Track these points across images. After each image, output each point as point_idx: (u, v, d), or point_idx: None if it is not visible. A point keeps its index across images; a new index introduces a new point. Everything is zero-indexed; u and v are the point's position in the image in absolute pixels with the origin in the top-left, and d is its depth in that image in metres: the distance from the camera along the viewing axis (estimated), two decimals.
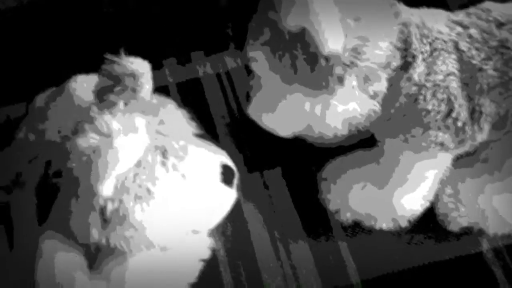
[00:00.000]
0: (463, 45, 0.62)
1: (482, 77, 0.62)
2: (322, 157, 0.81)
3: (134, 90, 0.59)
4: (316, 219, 0.79)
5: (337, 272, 0.75)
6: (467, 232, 0.76)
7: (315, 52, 0.58)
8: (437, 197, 0.75)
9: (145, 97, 0.60)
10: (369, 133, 0.70)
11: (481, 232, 0.75)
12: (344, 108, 0.62)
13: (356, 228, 0.77)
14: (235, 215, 0.80)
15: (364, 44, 0.58)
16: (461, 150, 0.66)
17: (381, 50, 0.60)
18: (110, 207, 0.57)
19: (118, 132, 0.56)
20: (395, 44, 0.61)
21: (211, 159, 0.65)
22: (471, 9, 0.65)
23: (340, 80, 0.59)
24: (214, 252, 0.77)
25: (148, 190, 0.58)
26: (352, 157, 0.77)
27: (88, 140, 0.57)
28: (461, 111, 0.62)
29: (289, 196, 0.81)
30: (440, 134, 0.63)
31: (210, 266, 0.75)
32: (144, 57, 0.73)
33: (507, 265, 0.75)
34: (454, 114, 0.62)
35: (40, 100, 0.82)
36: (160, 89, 0.67)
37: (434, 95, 0.62)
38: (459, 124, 0.63)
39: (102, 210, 0.58)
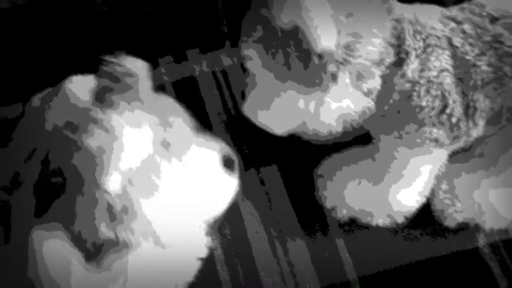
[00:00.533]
0: (457, 41, 0.62)
1: (476, 73, 0.61)
2: (319, 154, 0.81)
3: (133, 89, 0.60)
4: (313, 216, 0.79)
5: (334, 268, 0.76)
6: (463, 227, 0.76)
7: (308, 49, 0.58)
8: (433, 193, 0.75)
9: (145, 95, 0.61)
10: (364, 130, 0.70)
11: (477, 228, 0.75)
12: (338, 105, 0.62)
13: (353, 225, 0.77)
14: (232, 213, 0.80)
15: (357, 40, 0.58)
16: (456, 146, 0.66)
17: (374, 46, 0.59)
18: (117, 201, 0.58)
19: (123, 128, 0.57)
20: (388, 41, 0.60)
21: (212, 149, 0.65)
22: (465, 4, 0.65)
23: (334, 77, 0.59)
24: (211, 250, 0.77)
25: (153, 183, 0.59)
26: (347, 154, 0.77)
27: (96, 138, 0.57)
28: (455, 107, 0.62)
29: (286, 193, 0.81)
30: (435, 130, 0.63)
31: (208, 264, 0.75)
32: (139, 55, 0.72)
33: (503, 260, 0.75)
34: (448, 110, 0.62)
35: (36, 100, 0.82)
36: (156, 87, 0.67)
37: (428, 91, 0.61)
38: (454, 120, 0.63)
39: (109, 205, 0.58)
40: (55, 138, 0.67)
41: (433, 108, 0.62)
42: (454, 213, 0.75)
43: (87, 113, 0.59)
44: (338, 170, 0.76)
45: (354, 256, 0.76)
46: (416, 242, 0.76)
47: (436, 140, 0.64)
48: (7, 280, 0.63)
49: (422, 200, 0.74)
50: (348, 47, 0.58)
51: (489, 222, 0.74)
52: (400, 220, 0.75)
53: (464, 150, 0.70)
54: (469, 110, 0.63)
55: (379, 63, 0.60)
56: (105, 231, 0.59)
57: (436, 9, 0.65)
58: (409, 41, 0.61)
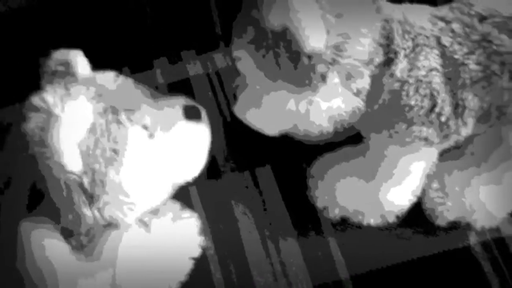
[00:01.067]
0: (446, 40, 0.62)
1: (465, 72, 0.62)
2: (312, 154, 0.81)
3: (72, 74, 0.60)
4: (305, 216, 0.79)
5: (327, 268, 0.76)
6: (455, 226, 0.76)
7: (298, 50, 0.58)
8: (424, 192, 0.75)
9: (82, 75, 0.61)
10: (356, 129, 0.70)
11: (468, 226, 0.76)
12: (328, 106, 0.62)
13: (345, 225, 0.77)
14: (225, 213, 0.81)
15: (346, 41, 0.59)
16: (446, 144, 0.67)
17: (363, 46, 0.60)
18: (86, 179, 0.57)
19: (55, 103, 0.57)
20: (377, 40, 0.61)
21: (169, 104, 0.64)
22: (455, 4, 0.65)
23: (323, 77, 0.59)
24: (204, 250, 0.77)
25: (114, 150, 0.58)
26: (339, 153, 0.77)
27: (31, 122, 0.56)
28: (444, 106, 0.62)
29: (279, 193, 0.82)
30: (424, 129, 0.64)
31: (201, 264, 0.76)
32: (135, 57, 0.73)
33: (495, 259, 0.75)
34: (437, 109, 0.62)
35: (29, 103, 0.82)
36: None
37: (416, 90, 0.62)
38: (443, 119, 0.63)
39: (82, 186, 0.58)
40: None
41: (422, 107, 0.62)
42: (444, 211, 0.75)
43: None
44: (329, 170, 0.77)
45: (346, 255, 0.76)
46: (408, 241, 0.76)
47: (425, 139, 0.64)
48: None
49: (414, 199, 0.74)
50: (337, 48, 0.59)
51: (480, 221, 0.75)
52: (392, 219, 0.76)
53: (454, 148, 0.70)
54: (458, 108, 0.63)
55: (368, 63, 0.61)
56: (88, 212, 0.59)
57: (425, 9, 0.66)
58: (397, 40, 0.61)
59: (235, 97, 0.69)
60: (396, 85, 0.62)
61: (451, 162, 0.75)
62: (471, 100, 0.63)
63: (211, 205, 0.81)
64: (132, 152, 0.59)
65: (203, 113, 0.66)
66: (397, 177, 0.71)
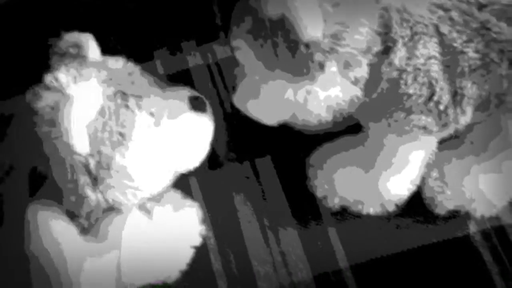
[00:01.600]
0: (444, 28, 0.62)
1: (464, 60, 0.61)
2: (311, 144, 0.81)
3: (81, 57, 0.61)
4: (305, 206, 0.80)
5: (326, 257, 0.76)
6: (454, 215, 0.76)
7: (296, 39, 0.58)
8: (423, 180, 0.75)
9: (96, 60, 0.62)
10: (355, 119, 0.70)
11: (468, 215, 0.76)
12: (326, 95, 0.62)
13: (345, 214, 0.78)
14: (225, 203, 0.81)
15: (344, 30, 0.59)
16: (445, 133, 0.66)
17: (361, 35, 0.60)
18: (92, 161, 0.58)
19: (68, 83, 0.57)
20: (375, 29, 0.61)
21: (175, 94, 0.65)
22: None
23: (321, 66, 0.59)
24: (204, 240, 0.77)
25: (121, 134, 0.59)
26: (338, 143, 0.77)
27: (43, 100, 0.57)
28: (443, 94, 0.62)
29: (279, 183, 0.82)
30: (423, 117, 0.64)
31: (200, 254, 0.76)
32: (135, 48, 0.73)
33: (495, 247, 0.75)
34: (436, 98, 0.62)
35: (28, 95, 0.83)
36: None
37: (415, 79, 0.62)
38: (441, 107, 0.63)
39: (87, 168, 0.58)
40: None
41: (420, 96, 0.62)
42: (444, 200, 0.75)
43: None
44: (328, 159, 0.77)
45: (346, 244, 0.76)
46: (408, 230, 0.76)
47: (424, 128, 0.64)
48: (4, 260, 0.63)
49: (413, 188, 0.74)
50: (335, 36, 0.58)
51: (480, 210, 0.75)
52: (391, 208, 0.76)
53: (454, 137, 0.70)
54: (456, 97, 0.63)
55: (366, 51, 0.61)
56: (91, 195, 0.60)
57: None
58: (396, 29, 0.61)
59: (234, 89, 0.69)
60: (395, 74, 0.62)
61: (450, 151, 0.75)
62: (470, 88, 0.62)
63: (211, 195, 0.81)
64: (138, 138, 0.60)
65: (208, 105, 0.67)
66: (396, 166, 0.71)
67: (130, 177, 0.60)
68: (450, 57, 0.62)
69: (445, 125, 0.65)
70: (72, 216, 0.62)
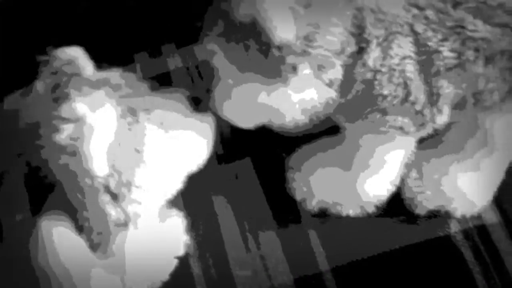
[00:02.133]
0: (419, 27, 0.61)
1: (439, 59, 0.61)
2: (291, 146, 0.80)
3: (77, 74, 0.61)
4: (286, 209, 0.79)
5: (307, 260, 0.75)
6: (435, 214, 0.75)
7: (268, 41, 0.57)
8: (402, 181, 0.75)
9: (90, 75, 0.62)
10: (332, 121, 0.70)
11: (448, 214, 0.75)
12: (300, 97, 0.61)
13: (325, 216, 0.77)
14: (204, 207, 0.80)
15: (316, 31, 0.58)
16: (423, 133, 0.66)
17: (334, 36, 0.59)
18: (112, 181, 0.60)
19: (86, 112, 0.58)
20: (349, 30, 0.60)
21: (175, 98, 0.68)
22: None
23: (294, 68, 0.59)
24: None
25: (137, 150, 0.61)
26: (317, 145, 0.77)
27: (64, 133, 0.58)
28: (419, 94, 0.62)
29: (259, 186, 0.81)
30: (399, 118, 0.63)
31: (180, 259, 0.75)
32: (114, 52, 0.72)
33: (476, 246, 0.75)
34: (411, 98, 0.62)
35: (8, 102, 0.82)
36: None
37: (390, 80, 0.61)
38: (418, 107, 0.62)
39: (107, 188, 0.60)
40: (30, 138, 0.67)
41: (396, 96, 0.61)
42: (424, 201, 0.74)
43: (49, 113, 0.60)
44: (306, 162, 0.76)
45: (326, 247, 0.76)
46: (389, 231, 0.76)
47: (401, 128, 0.64)
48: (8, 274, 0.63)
49: (392, 188, 0.73)
50: (307, 38, 0.58)
51: (460, 209, 0.74)
52: (371, 209, 0.75)
53: (432, 136, 0.69)
54: (433, 96, 0.62)
55: (339, 53, 0.60)
56: (111, 211, 0.61)
57: None
58: (369, 29, 0.60)
59: (208, 91, 0.69)
60: (369, 75, 0.61)
61: (429, 151, 0.74)
62: (446, 88, 0.62)
63: (190, 199, 0.80)
64: (152, 149, 0.62)
65: (205, 101, 0.69)
66: (374, 167, 0.71)
67: (150, 189, 0.63)
68: (425, 57, 0.61)
69: (422, 125, 0.64)
70: (83, 231, 0.62)
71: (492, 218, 0.76)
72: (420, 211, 0.75)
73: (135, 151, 0.61)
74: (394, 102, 0.62)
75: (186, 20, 0.94)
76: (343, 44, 0.60)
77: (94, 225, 0.62)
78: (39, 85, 0.63)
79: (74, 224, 0.61)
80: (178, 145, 0.65)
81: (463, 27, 0.61)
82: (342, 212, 0.75)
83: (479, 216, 0.76)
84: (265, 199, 0.80)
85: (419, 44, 0.61)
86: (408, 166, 0.73)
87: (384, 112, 0.62)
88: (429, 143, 0.73)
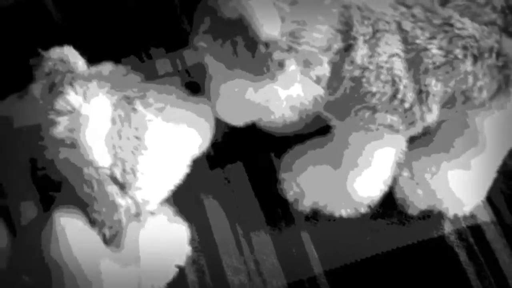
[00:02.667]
0: (407, 25, 0.61)
1: (427, 57, 0.61)
2: (282, 147, 0.79)
3: (71, 71, 0.62)
4: (278, 211, 0.78)
5: (300, 264, 0.74)
6: (428, 215, 0.75)
7: (254, 38, 0.57)
8: (394, 181, 0.74)
9: (84, 71, 0.64)
10: (325, 119, 0.69)
11: (441, 215, 0.74)
12: (287, 94, 0.61)
13: (317, 218, 0.76)
14: (197, 212, 0.79)
15: (302, 27, 0.58)
16: (413, 131, 0.65)
17: (320, 33, 0.59)
18: (116, 171, 0.60)
19: (80, 103, 0.59)
20: (335, 27, 0.60)
21: (171, 83, 0.69)
22: None
23: (281, 65, 0.59)
24: None
25: (137, 137, 0.62)
26: (308, 145, 0.76)
27: (60, 125, 0.59)
28: (407, 92, 0.61)
29: (251, 190, 0.80)
30: (388, 116, 0.62)
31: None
32: (103, 56, 0.72)
33: (470, 246, 0.74)
34: (400, 96, 0.61)
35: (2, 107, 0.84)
36: None
37: (378, 77, 0.61)
38: (406, 105, 0.62)
39: (114, 179, 0.61)
40: (33, 140, 0.68)
41: (384, 94, 0.61)
42: (416, 201, 0.73)
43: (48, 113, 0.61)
44: (297, 162, 0.75)
45: (320, 250, 0.75)
46: (382, 232, 0.75)
47: (390, 126, 0.63)
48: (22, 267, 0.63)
49: (384, 188, 0.73)
50: (293, 34, 0.58)
51: (452, 209, 0.73)
52: (364, 209, 0.74)
53: (423, 134, 0.69)
54: (421, 94, 0.62)
55: (326, 49, 0.60)
56: (121, 202, 0.62)
57: None
58: (356, 27, 0.60)
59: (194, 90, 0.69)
60: (357, 72, 0.61)
61: (420, 150, 0.73)
62: (435, 86, 0.62)
63: (183, 204, 0.80)
64: (152, 135, 0.63)
65: (202, 84, 0.69)
66: (364, 167, 0.70)
67: (156, 174, 0.63)
68: (413, 54, 0.61)
69: (411, 124, 0.64)
70: (97, 225, 0.64)
71: (485, 217, 0.76)
72: (412, 211, 0.74)
73: (136, 138, 0.61)
74: (383, 99, 0.61)
75: (175, 24, 0.94)
76: (330, 41, 0.60)
77: (106, 217, 0.63)
78: (35, 88, 0.65)
79: (86, 218, 0.63)
80: (179, 129, 0.66)
81: (451, 25, 0.61)
82: (334, 213, 0.74)
83: (472, 216, 0.75)
84: (258, 203, 0.79)
85: (407, 42, 0.61)
86: (400, 166, 0.72)
87: (373, 110, 0.62)
88: (420, 142, 0.72)
